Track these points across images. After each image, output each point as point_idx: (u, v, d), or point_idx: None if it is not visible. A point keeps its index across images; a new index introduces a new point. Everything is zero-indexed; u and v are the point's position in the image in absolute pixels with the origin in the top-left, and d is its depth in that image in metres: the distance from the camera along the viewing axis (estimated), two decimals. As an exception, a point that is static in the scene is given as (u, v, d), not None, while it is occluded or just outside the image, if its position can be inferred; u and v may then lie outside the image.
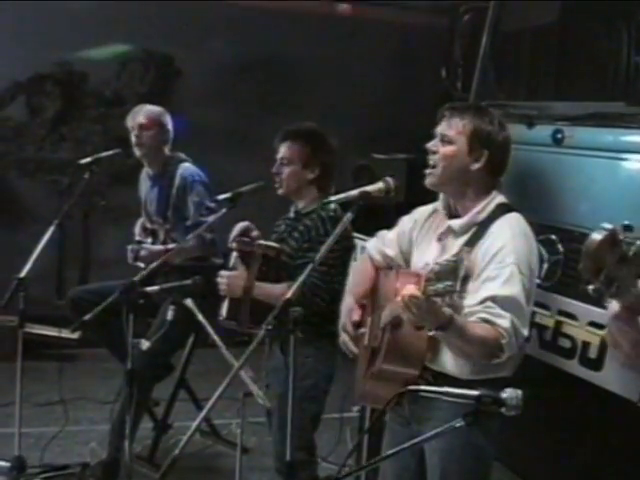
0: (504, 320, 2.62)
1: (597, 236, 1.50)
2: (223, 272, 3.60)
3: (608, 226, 1.51)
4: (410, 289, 2.44)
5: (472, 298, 2.67)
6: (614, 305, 1.63)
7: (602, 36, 3.98)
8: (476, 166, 2.82)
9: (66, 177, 6.51)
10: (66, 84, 6.89)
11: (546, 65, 4.37)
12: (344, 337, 3.03)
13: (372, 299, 3.05)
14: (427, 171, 2.87)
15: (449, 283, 2.31)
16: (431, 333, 2.60)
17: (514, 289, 2.66)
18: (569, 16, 4.08)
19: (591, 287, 1.53)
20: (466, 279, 2.36)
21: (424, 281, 2.42)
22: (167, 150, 4.70)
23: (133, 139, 4.61)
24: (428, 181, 2.88)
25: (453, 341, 2.63)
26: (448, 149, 2.82)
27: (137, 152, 4.65)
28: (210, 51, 7.21)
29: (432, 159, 2.85)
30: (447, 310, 2.54)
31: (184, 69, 6.99)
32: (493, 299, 2.63)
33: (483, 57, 4.38)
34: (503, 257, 2.67)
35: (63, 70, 6.84)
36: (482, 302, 2.64)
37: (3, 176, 7.00)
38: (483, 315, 2.62)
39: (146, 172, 4.81)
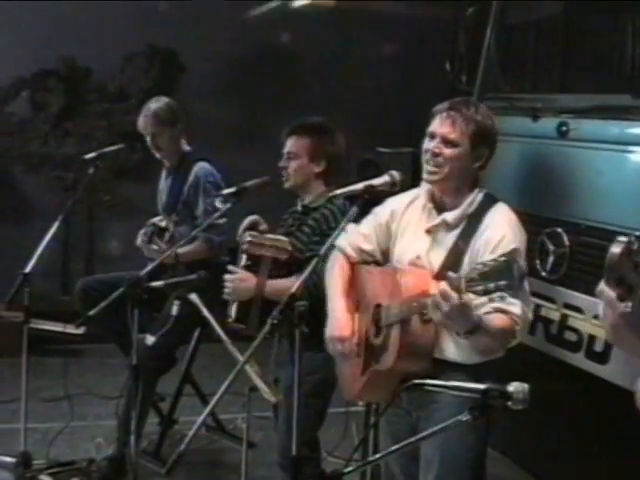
0: (516, 307, 2.65)
1: (616, 249, 1.63)
2: (228, 276, 3.56)
3: (624, 239, 1.64)
4: (445, 290, 2.44)
5: None
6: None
7: (607, 28, 3.98)
8: (477, 164, 2.85)
9: (70, 173, 6.52)
10: (70, 80, 6.87)
11: (551, 58, 4.37)
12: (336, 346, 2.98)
13: (354, 296, 3.03)
14: (430, 169, 2.83)
15: (502, 283, 2.30)
16: (462, 338, 2.61)
17: None
18: (574, 8, 4.07)
19: (612, 295, 1.70)
20: (522, 278, 2.40)
21: (464, 282, 2.40)
22: (184, 143, 4.67)
23: (149, 143, 4.58)
24: (431, 179, 2.85)
25: (481, 340, 2.64)
26: (453, 152, 2.80)
27: (155, 154, 4.64)
28: (214, 46, 7.19)
29: (435, 161, 2.81)
30: (476, 314, 2.56)
31: (188, 64, 6.97)
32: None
33: (488, 50, 4.38)
34: (506, 246, 2.66)
35: (67, 65, 6.83)
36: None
37: (7, 172, 7.00)
38: (497, 305, 2.62)
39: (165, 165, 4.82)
